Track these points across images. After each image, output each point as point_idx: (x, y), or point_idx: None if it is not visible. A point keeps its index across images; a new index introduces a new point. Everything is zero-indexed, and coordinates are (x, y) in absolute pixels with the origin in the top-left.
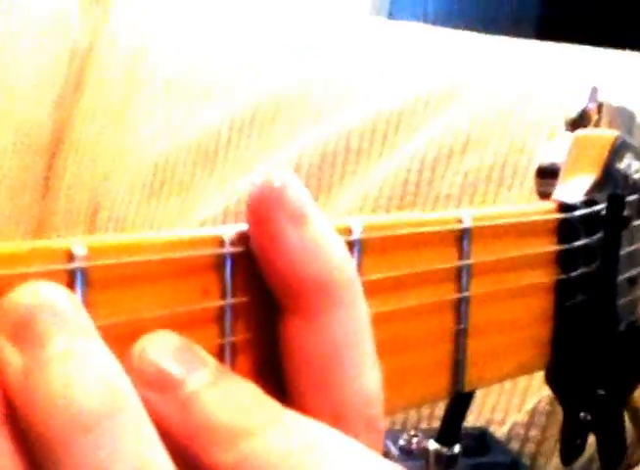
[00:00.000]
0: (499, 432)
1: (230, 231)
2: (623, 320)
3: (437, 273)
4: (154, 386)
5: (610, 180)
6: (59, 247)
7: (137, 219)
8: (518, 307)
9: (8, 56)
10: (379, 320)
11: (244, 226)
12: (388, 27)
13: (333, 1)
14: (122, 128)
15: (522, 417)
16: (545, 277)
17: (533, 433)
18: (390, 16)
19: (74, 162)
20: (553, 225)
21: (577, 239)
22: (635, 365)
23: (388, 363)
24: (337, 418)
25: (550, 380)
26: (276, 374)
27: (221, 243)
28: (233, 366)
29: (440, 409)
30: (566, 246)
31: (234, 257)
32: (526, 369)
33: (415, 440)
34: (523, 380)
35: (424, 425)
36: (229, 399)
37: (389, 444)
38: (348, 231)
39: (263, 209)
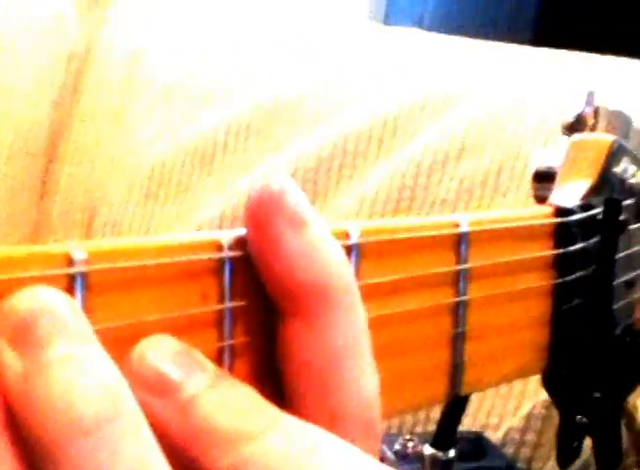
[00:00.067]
0: (494, 436)
1: (228, 235)
2: (620, 324)
3: (435, 277)
4: (153, 390)
5: (606, 184)
6: (58, 251)
7: (134, 222)
8: (515, 311)
9: (6, 58)
10: (377, 324)
11: (242, 230)
12: (385, 33)
13: (330, 3)
14: (120, 131)
15: (517, 422)
16: (542, 281)
17: (529, 437)
18: (387, 18)
19: (72, 164)
20: (550, 229)
21: (574, 243)
22: (632, 369)
23: (386, 367)
24: (334, 422)
25: (547, 383)
26: (274, 378)
27: (220, 247)
28: (232, 370)
29: (436, 413)
30: (562, 250)
31: (232, 261)
32: (524, 372)
33: (410, 444)
34: (518, 384)
35: (420, 428)
36: (228, 402)
37: (385, 448)
38: (346, 235)
39: (262, 213)
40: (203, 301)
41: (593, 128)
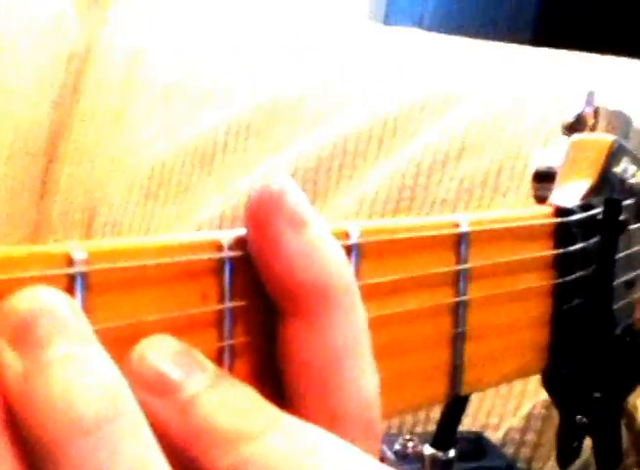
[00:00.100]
0: (494, 436)
1: (228, 235)
2: (620, 324)
3: (435, 277)
4: (153, 390)
5: (606, 184)
6: (58, 251)
7: (134, 222)
8: (515, 311)
9: (6, 58)
10: (377, 324)
11: (242, 230)
12: (385, 33)
13: (330, 3)
14: (120, 131)
15: (517, 422)
16: (542, 281)
17: (529, 437)
18: (387, 18)
19: (72, 165)
20: (550, 229)
21: (574, 243)
22: (632, 369)
23: (385, 367)
24: (334, 422)
25: (547, 383)
26: (274, 378)
27: (220, 247)
28: (232, 370)
29: (436, 413)
30: (562, 250)
31: (232, 261)
32: (524, 372)
33: (410, 444)
34: (518, 384)
35: (420, 428)
36: (228, 402)
37: (385, 448)
38: (346, 235)
39: (262, 213)
40: (203, 301)
41: (593, 128)
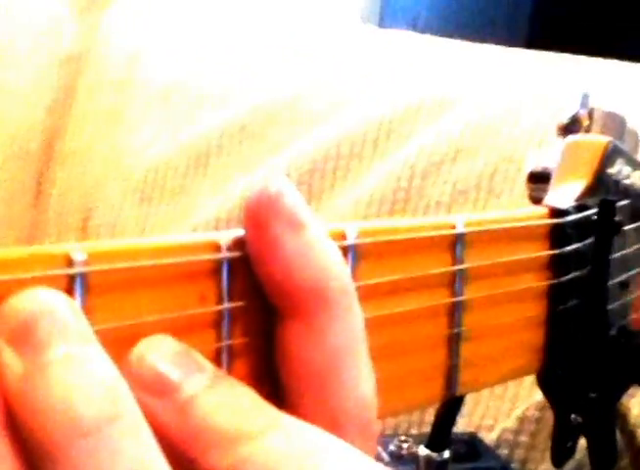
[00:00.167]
0: (489, 437)
1: (227, 236)
2: (615, 325)
3: (431, 278)
4: (152, 390)
5: (601, 186)
6: (58, 252)
7: (129, 224)
8: (511, 312)
9: (2, 60)
10: (374, 325)
11: (240, 231)
12: (380, 36)
13: (325, 4)
14: (116, 133)
15: (511, 423)
16: (538, 282)
17: (523, 439)
18: (381, 19)
19: (66, 168)
20: (545, 230)
21: (569, 244)
22: (626, 369)
23: (382, 367)
24: (332, 423)
25: (542, 383)
26: (273, 379)
27: (218, 248)
28: (230, 371)
29: (431, 415)
30: (557, 251)
31: (231, 262)
32: (520, 373)
33: (405, 445)
34: (512, 386)
35: (415, 430)
36: (226, 403)
37: (380, 449)
38: (343, 236)
39: (260, 215)
40: (201, 301)
41: (588, 130)
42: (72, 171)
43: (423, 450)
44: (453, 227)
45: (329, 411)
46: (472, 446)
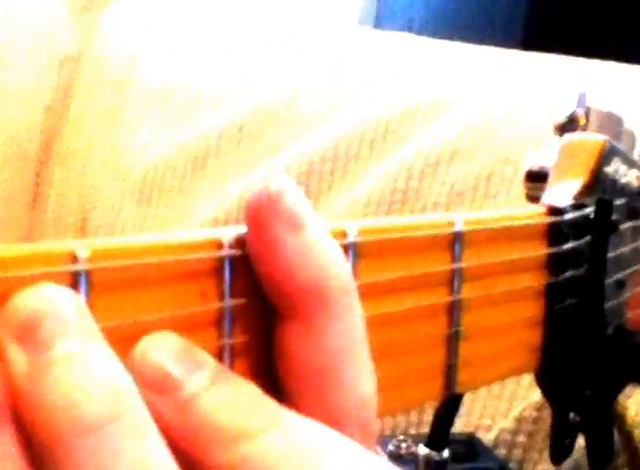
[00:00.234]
0: (487, 438)
1: (229, 234)
2: (611, 323)
3: (430, 277)
4: (154, 387)
5: (598, 184)
6: (63, 249)
7: (127, 226)
8: (509, 311)
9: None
10: (373, 323)
11: (242, 229)
12: (378, 38)
13: (321, 6)
14: (113, 134)
15: (509, 423)
16: (535, 281)
17: (520, 439)
18: (378, 21)
19: (64, 169)
20: (543, 229)
21: (566, 242)
22: (622, 367)
23: (382, 366)
24: (331, 422)
25: (540, 382)
26: (274, 377)
27: (220, 246)
28: (231, 368)
29: (429, 415)
30: (555, 249)
31: (232, 259)
32: (518, 371)
33: (404, 445)
34: (510, 386)
35: (413, 431)
36: (229, 400)
37: (378, 449)
38: (343, 234)
39: (260, 214)
40: (203, 299)
41: (585, 129)
42: (71, 172)
43: (422, 450)
44: (452, 225)
45: (328, 411)
46: (470, 447)
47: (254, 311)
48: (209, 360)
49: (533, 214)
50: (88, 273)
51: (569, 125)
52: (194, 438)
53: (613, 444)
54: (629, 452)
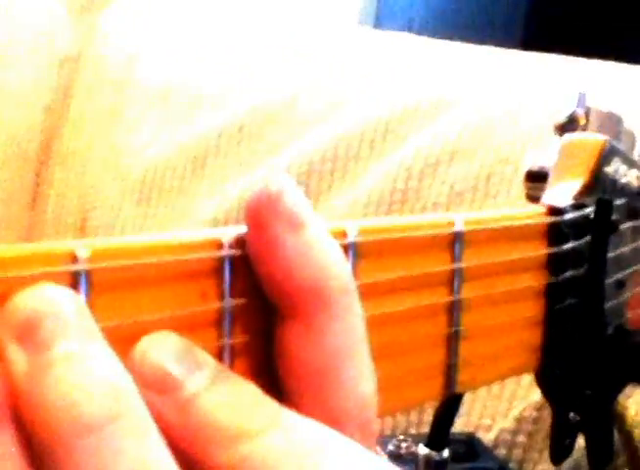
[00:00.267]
0: (487, 438)
1: (229, 234)
2: (611, 323)
3: (430, 277)
4: (154, 387)
5: (598, 184)
6: (63, 249)
7: (127, 226)
8: (509, 311)
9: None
10: (373, 323)
11: (242, 229)
12: (378, 38)
13: (321, 6)
14: (113, 135)
15: (509, 423)
16: (535, 281)
17: (520, 439)
18: (378, 21)
19: (64, 169)
20: (543, 229)
21: (566, 242)
22: (622, 367)
23: (381, 366)
24: (332, 422)
25: (540, 381)
26: (274, 376)
27: (220, 246)
28: (231, 368)
29: (429, 415)
30: (555, 249)
31: (232, 259)
32: (518, 371)
33: (404, 445)
34: (509, 386)
35: (413, 431)
36: (229, 400)
37: (378, 449)
38: (343, 234)
39: (260, 215)
40: (203, 299)
41: (585, 129)
42: (71, 172)
43: (423, 449)
44: (452, 225)
45: (328, 411)
46: (470, 447)
47: (254, 311)
48: (210, 360)
49: (533, 214)
50: (88, 273)
51: (569, 125)
52: (194, 438)
53: (613, 443)
54: (629, 452)
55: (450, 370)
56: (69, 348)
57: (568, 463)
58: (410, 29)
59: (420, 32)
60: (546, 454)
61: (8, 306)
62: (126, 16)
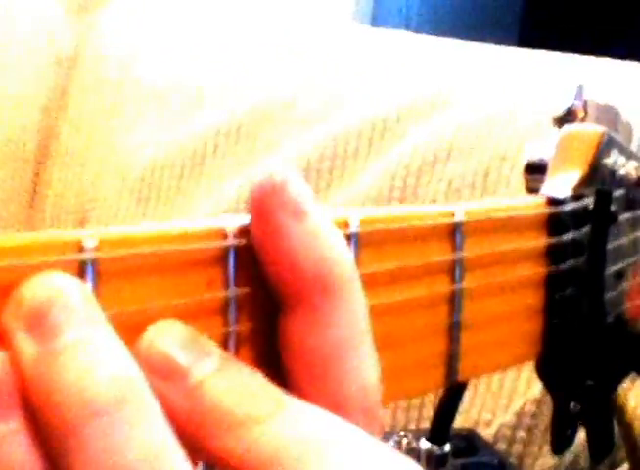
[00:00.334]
0: (486, 433)
1: (233, 223)
2: (611, 313)
3: (432, 266)
4: (161, 375)
5: (597, 175)
6: (70, 238)
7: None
8: (510, 300)
9: None
10: (375, 313)
11: (246, 218)
12: (374, 35)
13: (318, 4)
14: (111, 134)
15: (508, 418)
16: (535, 270)
17: (520, 434)
18: (374, 19)
19: (62, 169)
20: (542, 219)
21: (566, 232)
22: (622, 357)
23: (383, 356)
24: (336, 409)
25: (540, 371)
26: (279, 364)
27: (224, 235)
28: (236, 356)
29: (429, 411)
30: (555, 239)
31: (237, 249)
32: (518, 360)
33: (405, 440)
34: (509, 381)
35: (413, 426)
36: (235, 386)
37: None
38: (346, 224)
39: (264, 204)
40: (208, 288)
41: (583, 121)
42: (69, 172)
43: (425, 444)
44: (453, 215)
45: (332, 398)
46: (470, 442)
47: (259, 300)
48: (215, 348)
49: (533, 205)
50: (95, 262)
51: (567, 118)
52: (200, 423)
53: (613, 434)
54: (629, 445)
55: (451, 359)
56: (77, 335)
57: (567, 458)
58: (407, 28)
59: (416, 31)
60: (546, 449)
61: (15, 295)
62: (124, 15)
